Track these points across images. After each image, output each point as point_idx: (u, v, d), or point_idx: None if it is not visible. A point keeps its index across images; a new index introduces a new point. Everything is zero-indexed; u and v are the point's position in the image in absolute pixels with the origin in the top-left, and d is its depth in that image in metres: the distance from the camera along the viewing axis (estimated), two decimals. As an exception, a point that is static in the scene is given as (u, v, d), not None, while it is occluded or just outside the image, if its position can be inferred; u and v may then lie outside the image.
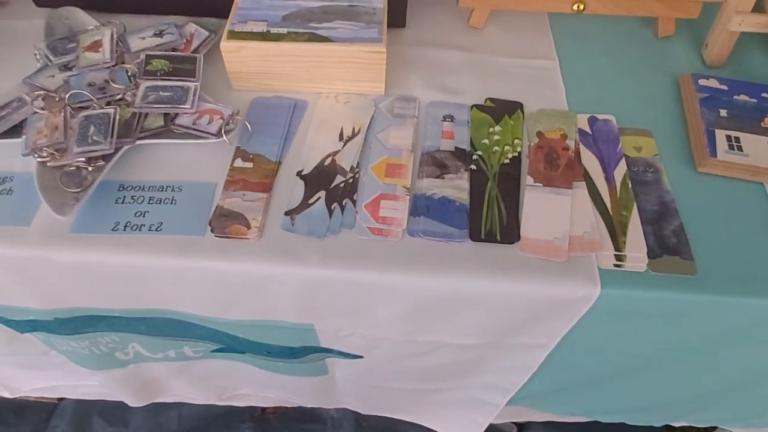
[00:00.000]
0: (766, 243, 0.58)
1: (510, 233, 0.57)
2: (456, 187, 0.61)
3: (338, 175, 0.61)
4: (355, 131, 0.65)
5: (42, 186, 0.56)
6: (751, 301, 0.55)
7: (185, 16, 0.73)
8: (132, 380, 0.86)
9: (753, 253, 0.57)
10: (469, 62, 0.74)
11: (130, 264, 0.56)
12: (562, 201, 0.60)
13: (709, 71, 0.74)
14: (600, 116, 0.68)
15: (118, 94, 0.63)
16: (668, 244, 0.57)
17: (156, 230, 0.57)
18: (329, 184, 0.60)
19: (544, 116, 0.67)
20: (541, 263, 0.56)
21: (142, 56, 0.65)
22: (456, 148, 0.64)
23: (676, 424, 0.91)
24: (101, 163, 0.58)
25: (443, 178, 0.61)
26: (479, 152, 0.64)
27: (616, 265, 0.56)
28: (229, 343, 0.72)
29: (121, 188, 0.60)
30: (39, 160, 0.58)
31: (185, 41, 0.69)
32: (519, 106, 0.68)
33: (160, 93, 0.62)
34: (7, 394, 0.99)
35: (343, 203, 0.59)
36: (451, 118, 0.67)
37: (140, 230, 0.56)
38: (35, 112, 0.61)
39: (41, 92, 0.63)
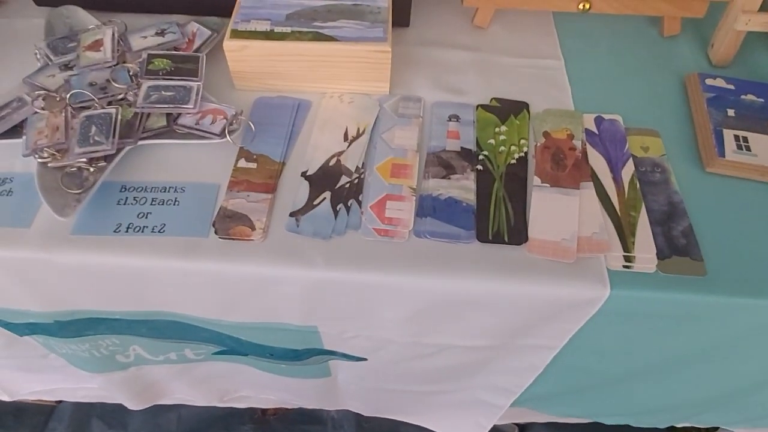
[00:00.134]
0: (776, 244, 0.58)
1: (518, 234, 0.57)
2: (462, 188, 0.60)
3: (343, 176, 0.60)
4: (360, 131, 0.64)
5: (43, 187, 0.55)
6: (761, 302, 0.54)
7: (187, 15, 0.73)
8: (132, 383, 0.85)
9: (763, 254, 0.57)
10: (473, 62, 0.73)
11: (132, 266, 0.55)
12: (570, 201, 0.59)
13: (715, 71, 0.73)
14: (606, 116, 0.67)
15: (120, 94, 0.62)
16: (677, 245, 0.57)
17: (159, 232, 0.56)
18: (334, 185, 0.60)
19: (551, 116, 0.67)
20: (550, 264, 0.55)
21: (144, 55, 0.64)
22: (462, 148, 0.64)
23: (679, 425, 0.90)
24: (103, 163, 0.57)
25: (449, 178, 0.61)
26: (485, 152, 0.63)
27: (625, 266, 0.55)
28: (232, 346, 0.71)
29: (123, 189, 0.59)
30: (40, 160, 0.57)
31: (187, 40, 0.68)
32: (525, 105, 0.68)
33: (163, 93, 0.61)
34: (5, 398, 0.98)
35: (349, 204, 0.58)
36: (457, 118, 0.66)
37: (143, 232, 0.56)
38: (36, 112, 0.60)
39: (42, 92, 0.62)
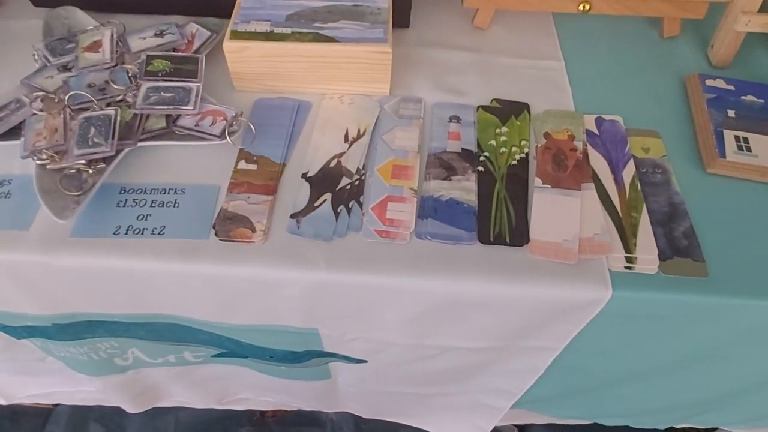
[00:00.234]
0: (777, 244, 0.58)
1: (519, 235, 0.57)
2: (464, 189, 0.60)
3: (344, 177, 0.60)
4: (361, 132, 0.64)
5: (41, 189, 0.55)
6: (762, 302, 0.54)
7: (186, 16, 0.72)
8: (130, 386, 0.84)
9: (764, 255, 0.57)
10: (474, 63, 0.73)
11: (132, 269, 0.55)
12: (571, 203, 0.59)
13: (714, 72, 0.74)
14: (607, 117, 0.67)
15: (119, 95, 0.62)
16: (679, 246, 0.57)
17: (159, 234, 0.55)
18: (335, 186, 0.59)
19: (551, 117, 0.67)
20: (551, 266, 0.55)
21: (143, 56, 0.64)
22: (463, 149, 0.63)
23: (678, 426, 0.90)
24: (102, 165, 0.57)
25: (450, 179, 0.60)
26: (486, 153, 0.63)
27: (626, 268, 0.55)
28: (231, 348, 0.71)
29: (123, 191, 0.58)
30: (38, 162, 0.57)
31: (186, 41, 0.68)
32: (525, 106, 0.68)
33: (162, 94, 0.61)
34: (1, 401, 0.97)
35: (350, 205, 0.58)
36: (457, 119, 0.66)
37: (143, 234, 0.55)
38: (34, 114, 0.60)
39: (40, 93, 0.61)
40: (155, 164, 0.60)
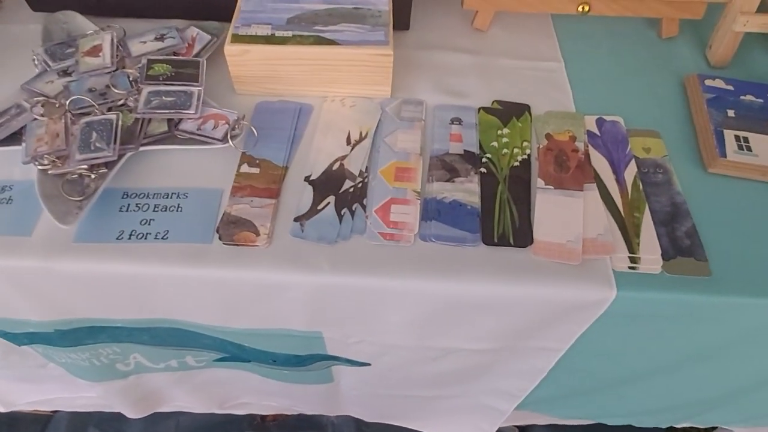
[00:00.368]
0: (779, 243, 0.58)
1: (523, 237, 0.57)
2: (467, 191, 0.60)
3: (347, 180, 0.60)
4: (363, 135, 0.64)
5: (44, 194, 0.54)
6: (765, 301, 0.54)
7: (187, 20, 0.72)
8: (132, 391, 0.84)
9: (766, 254, 0.57)
10: (474, 65, 0.73)
11: (135, 273, 0.55)
12: (574, 203, 0.59)
13: (713, 72, 0.74)
14: (608, 117, 0.67)
15: (120, 100, 0.61)
16: (681, 246, 0.57)
17: (162, 238, 0.55)
18: (338, 189, 0.59)
19: (552, 118, 0.67)
20: (555, 266, 0.55)
21: (144, 61, 0.64)
22: (465, 151, 0.63)
23: (679, 425, 0.91)
24: (104, 170, 0.57)
25: (453, 181, 0.61)
26: (488, 155, 0.63)
27: (630, 268, 0.55)
28: (234, 352, 0.71)
29: (125, 196, 0.58)
30: (40, 167, 0.56)
31: (187, 45, 0.68)
32: (526, 108, 0.68)
33: (163, 98, 0.61)
34: (0, 408, 0.96)
35: (353, 208, 0.58)
36: (459, 120, 0.66)
37: (146, 239, 0.55)
38: (35, 119, 0.59)
39: (41, 98, 0.61)
40: (157, 168, 0.60)
